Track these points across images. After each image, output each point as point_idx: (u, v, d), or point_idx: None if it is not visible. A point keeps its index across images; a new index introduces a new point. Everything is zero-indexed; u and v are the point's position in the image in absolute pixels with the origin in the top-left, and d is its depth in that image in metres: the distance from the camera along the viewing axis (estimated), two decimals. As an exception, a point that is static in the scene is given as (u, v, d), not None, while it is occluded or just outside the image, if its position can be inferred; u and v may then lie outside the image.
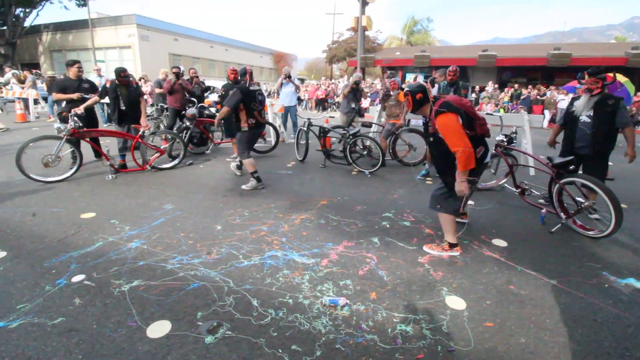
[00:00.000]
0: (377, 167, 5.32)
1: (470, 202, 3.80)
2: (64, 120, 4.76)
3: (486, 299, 2.30)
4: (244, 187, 4.50)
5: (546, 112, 14.45)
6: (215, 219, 3.49)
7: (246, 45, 44.92)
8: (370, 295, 2.29)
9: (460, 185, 2.60)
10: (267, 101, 8.07)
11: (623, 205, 3.05)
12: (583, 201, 3.31)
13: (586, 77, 3.63)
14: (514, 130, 4.26)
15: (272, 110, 7.91)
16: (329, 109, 19.13)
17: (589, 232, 3.30)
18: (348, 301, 2.21)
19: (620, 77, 5.95)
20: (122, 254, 2.77)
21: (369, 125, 6.58)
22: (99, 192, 4.24)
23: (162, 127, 7.44)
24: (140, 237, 3.08)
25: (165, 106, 6.99)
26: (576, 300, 2.32)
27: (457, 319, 2.09)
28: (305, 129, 5.93)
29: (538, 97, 15.21)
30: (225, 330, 1.95)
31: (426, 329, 2.00)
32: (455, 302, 2.25)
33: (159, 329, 1.95)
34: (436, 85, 4.98)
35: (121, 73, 4.99)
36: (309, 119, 5.97)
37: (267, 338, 1.90)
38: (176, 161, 5.47)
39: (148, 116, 7.48)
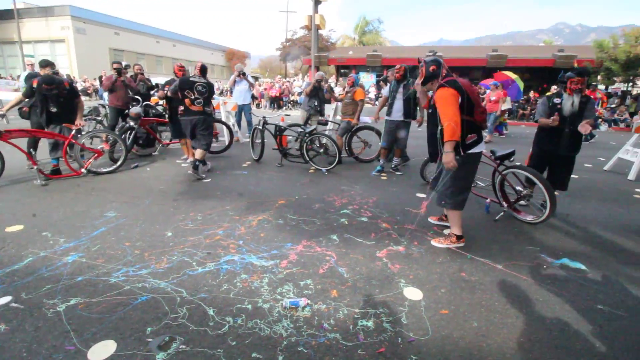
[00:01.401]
0: (334, 164, 5.35)
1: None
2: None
3: (441, 287, 2.39)
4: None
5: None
6: (165, 225, 3.27)
7: (196, 42, 43.10)
8: (331, 294, 2.27)
9: (446, 157, 2.64)
10: (220, 99, 7.79)
11: (555, 193, 3.35)
12: (522, 190, 3.59)
13: (566, 76, 3.62)
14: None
15: (225, 109, 7.64)
16: (284, 107, 18.98)
17: (528, 218, 3.59)
18: (309, 301, 2.17)
19: (511, 74, 6.47)
20: (57, 269, 2.48)
21: (325, 123, 6.61)
22: (27, 202, 3.78)
23: (101, 127, 6.85)
24: (77, 249, 2.79)
25: (105, 104, 6.45)
26: (520, 282, 2.50)
27: (415, 310, 2.14)
28: (260, 127, 5.79)
29: (479, 95, 16.35)
30: (179, 345, 1.81)
31: (386, 322, 2.03)
32: (413, 293, 2.31)
33: (102, 350, 1.77)
34: (388, 84, 5.11)
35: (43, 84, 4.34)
36: (264, 117, 5.84)
37: (225, 348, 1.80)
38: (118, 164, 5.05)
39: (85, 116, 6.87)
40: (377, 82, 20.70)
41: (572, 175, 5.65)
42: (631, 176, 5.58)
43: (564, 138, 3.66)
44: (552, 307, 2.22)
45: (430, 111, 2.97)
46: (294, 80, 24.19)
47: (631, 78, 17.37)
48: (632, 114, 14.78)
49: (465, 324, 2.03)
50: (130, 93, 6.03)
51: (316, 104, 6.26)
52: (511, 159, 3.69)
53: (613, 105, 15.89)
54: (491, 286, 2.43)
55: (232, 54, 45.73)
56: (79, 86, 18.03)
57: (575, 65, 18.41)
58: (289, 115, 8.07)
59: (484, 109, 2.86)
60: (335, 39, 35.22)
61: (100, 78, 15.80)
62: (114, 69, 5.73)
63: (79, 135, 4.89)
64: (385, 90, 5.05)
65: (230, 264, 2.60)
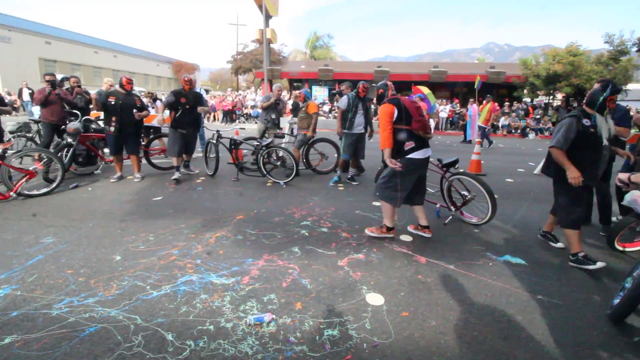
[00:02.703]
0: (292, 177, 5.37)
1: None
2: None
3: (400, 291, 2.50)
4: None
5: (431, 120, 16.69)
6: (112, 248, 3.03)
7: (140, 53, 41.02)
8: (296, 306, 2.26)
9: (387, 161, 3.16)
10: (166, 113, 7.48)
11: (495, 196, 3.67)
12: (467, 194, 3.89)
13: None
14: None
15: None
16: (238, 121, 18.69)
17: (473, 220, 3.89)
18: (274, 316, 2.14)
19: (424, 89, 7.07)
20: (-17, 306, 2.19)
21: (281, 136, 6.63)
22: (-59, 232, 3.30)
23: (32, 145, 6.21)
24: (10, 281, 2.48)
25: (37, 120, 5.88)
26: (470, 280, 2.69)
27: (377, 314, 2.21)
28: (214, 141, 5.65)
29: (419, 108, 17.48)
30: (135, 376, 1.69)
31: (351, 329, 2.06)
32: (375, 299, 2.38)
33: (43, 392, 1.59)
34: (345, 96, 5.30)
35: None
36: (217, 131, 5.71)
37: (187, 373, 1.71)
38: (54, 185, 4.61)
39: (13, 132, 6.21)
40: (333, 96, 21.24)
41: (508, 179, 6.31)
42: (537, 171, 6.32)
43: (601, 166, 3.23)
44: (500, 300, 2.42)
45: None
46: (247, 94, 23.96)
47: (552, 92, 19.71)
48: (554, 123, 16.77)
49: (425, 324, 2.13)
50: (67, 107, 5.57)
51: (273, 117, 6.27)
52: (456, 167, 4.00)
53: (538, 116, 17.88)
54: (445, 286, 2.59)
55: (179, 65, 44.17)
56: (6, 99, 16.18)
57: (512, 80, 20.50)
58: (243, 128, 7.95)
59: (423, 120, 3.24)
60: (287, 53, 35.65)
61: (20, 91, 14.32)
62: (47, 81, 5.26)
63: (5, 155, 4.39)
64: (342, 104, 5.24)
65: (188, 284, 2.49)
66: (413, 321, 2.15)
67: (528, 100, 21.35)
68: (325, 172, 6.19)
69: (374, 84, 3.66)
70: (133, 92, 5.34)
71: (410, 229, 3.68)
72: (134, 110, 5.19)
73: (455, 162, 3.92)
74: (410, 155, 3.17)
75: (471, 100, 12.70)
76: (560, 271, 2.89)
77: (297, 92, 6.21)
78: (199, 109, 5.38)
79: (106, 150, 6.02)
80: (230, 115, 18.68)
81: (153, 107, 7.61)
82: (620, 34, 17.53)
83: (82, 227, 3.50)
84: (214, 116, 19.14)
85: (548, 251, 3.28)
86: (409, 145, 3.17)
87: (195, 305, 2.25)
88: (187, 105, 5.23)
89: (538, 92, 20.53)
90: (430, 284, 2.60)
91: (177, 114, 5.22)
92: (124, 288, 2.42)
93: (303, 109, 5.88)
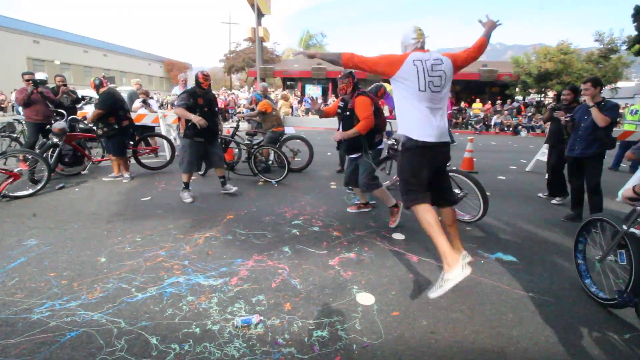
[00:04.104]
0: (284, 176, 5.32)
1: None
2: None
3: (391, 290, 2.47)
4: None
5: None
6: (97, 250, 2.96)
7: (131, 52, 40.58)
8: (285, 307, 2.22)
9: (342, 135, 3.51)
10: (159, 112, 7.38)
11: (487, 194, 3.66)
12: (459, 192, 3.87)
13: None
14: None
15: (165, 122, 7.24)
16: (230, 119, 18.55)
17: (465, 218, 3.87)
18: (262, 317, 2.09)
19: (387, 86, 7.03)
20: (-41, 312, 2.11)
21: (253, 134, 6.65)
22: None
23: (17, 145, 6.07)
24: (-12, 286, 2.40)
25: (20, 119, 5.74)
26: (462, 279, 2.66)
27: (368, 315, 2.17)
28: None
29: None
30: (116, 382, 1.63)
31: (341, 330, 2.03)
32: (365, 298, 2.34)
33: (19, 401, 1.52)
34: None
35: None
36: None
37: (171, 379, 1.65)
38: (39, 186, 4.50)
39: (-3, 133, 6.07)
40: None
41: (499, 177, 6.33)
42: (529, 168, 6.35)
43: None
44: (491, 298, 2.40)
45: (347, 114, 3.60)
46: (240, 92, 23.79)
47: (543, 90, 19.91)
48: (545, 121, 16.94)
49: (415, 324, 2.10)
50: (51, 106, 5.45)
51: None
52: (447, 164, 3.97)
53: (529, 114, 18.03)
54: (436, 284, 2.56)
55: (171, 64, 43.81)
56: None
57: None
58: (234, 127, 7.86)
59: (384, 116, 3.83)
60: (280, 52, 35.51)
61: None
62: (26, 80, 5.14)
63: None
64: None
65: (175, 286, 2.43)
66: (404, 321, 2.12)
67: (520, 98, 21.55)
68: (297, 170, 6.13)
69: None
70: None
71: (351, 210, 4.14)
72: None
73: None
74: (379, 147, 3.72)
75: None
76: (552, 268, 2.89)
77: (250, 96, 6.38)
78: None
79: (95, 150, 5.92)
80: (222, 114, 18.52)
81: (145, 107, 7.50)
82: (610, 32, 17.80)
83: (67, 228, 3.41)
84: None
85: (540, 248, 3.27)
86: (379, 138, 3.66)
87: (181, 307, 2.19)
88: (205, 108, 4.26)
89: (530, 90, 20.72)
90: (421, 283, 2.57)
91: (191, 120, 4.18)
92: (108, 291, 2.35)
93: (256, 110, 5.95)
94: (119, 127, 5.00)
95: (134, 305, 2.20)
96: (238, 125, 5.99)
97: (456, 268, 2.16)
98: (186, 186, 4.40)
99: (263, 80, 21.07)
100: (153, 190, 4.84)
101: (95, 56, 35.05)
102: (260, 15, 20.92)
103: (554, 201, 4.81)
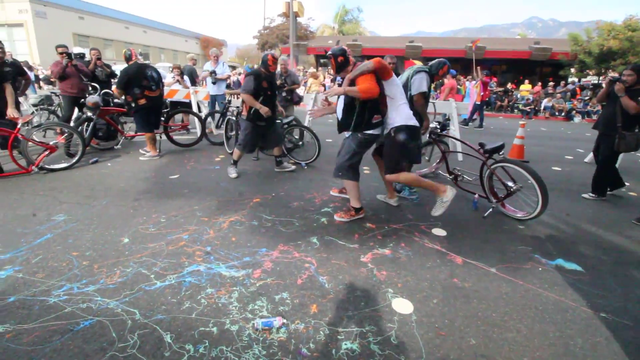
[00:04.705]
0: (314, 157, 5.04)
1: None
2: None
3: (432, 297, 2.16)
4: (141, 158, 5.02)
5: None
6: (122, 229, 2.87)
7: (168, 28, 41.21)
8: (311, 309, 1.99)
9: (338, 91, 2.91)
10: (191, 88, 7.28)
11: (547, 188, 3.18)
12: (512, 185, 3.41)
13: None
14: (447, 117, 4.28)
15: (196, 98, 7.14)
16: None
17: (518, 215, 3.42)
18: (285, 320, 1.87)
19: (417, 63, 6.21)
20: (-18, 289, 2.07)
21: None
22: (-41, 204, 3.27)
23: (55, 118, 6.21)
24: (14, 262, 2.37)
25: (57, 93, 5.82)
26: (516, 287, 2.30)
27: (405, 326, 1.89)
28: (234, 118, 5.38)
29: (458, 87, 16.37)
30: (124, 385, 1.48)
31: (374, 343, 1.76)
32: (403, 306, 2.06)
33: (23, 397, 1.41)
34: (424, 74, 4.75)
35: None
36: (237, 107, 5.43)
37: (182, 387, 1.48)
38: (74, 160, 4.54)
39: (36, 105, 6.23)
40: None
41: (554, 168, 5.66)
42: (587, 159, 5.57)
43: None
44: (553, 316, 2.03)
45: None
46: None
47: (603, 71, 17.85)
48: (599, 101, 15.24)
49: (462, 342, 1.79)
50: (85, 80, 5.45)
51: (284, 94, 5.88)
52: (501, 153, 3.50)
53: (586, 98, 16.31)
54: (486, 293, 2.22)
55: (207, 41, 44.03)
56: (40, 75, 16.68)
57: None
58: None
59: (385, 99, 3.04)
60: (314, 28, 34.50)
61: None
62: (60, 53, 5.12)
63: (26, 128, 4.34)
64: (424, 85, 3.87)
65: (195, 275, 2.26)
66: (449, 338, 1.82)
67: (575, 80, 19.53)
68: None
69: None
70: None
71: (334, 192, 3.82)
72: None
73: (501, 147, 3.44)
74: (372, 131, 3.03)
75: (469, 77, 11.44)
76: (625, 282, 2.43)
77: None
78: (225, 92, 4.99)
79: (127, 126, 5.93)
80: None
81: (180, 82, 7.42)
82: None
83: (96, 204, 3.37)
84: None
85: (609, 257, 2.79)
86: (377, 118, 3.00)
87: (199, 300, 2.02)
88: (268, 91, 4.17)
89: (588, 72, 18.69)
90: (468, 291, 2.24)
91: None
92: (127, 276, 2.24)
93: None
94: (136, 105, 4.87)
95: (151, 294, 2.06)
96: (230, 101, 5.92)
97: (448, 190, 3.01)
98: (235, 163, 4.45)
99: (296, 57, 20.58)
100: (182, 168, 4.75)
101: (135, 32, 35.89)
102: (295, -12, 20.17)
103: (585, 195, 4.19)
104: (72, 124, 5.30)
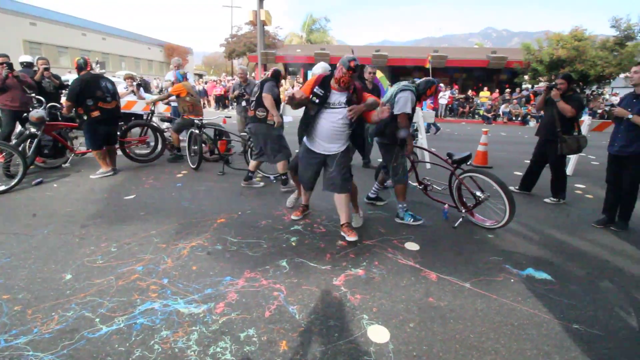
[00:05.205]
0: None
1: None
2: None
3: (409, 320, 2.05)
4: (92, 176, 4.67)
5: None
6: (64, 263, 2.54)
7: (130, 35, 39.60)
8: (280, 347, 1.81)
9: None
10: (150, 98, 6.89)
11: (513, 197, 3.21)
12: (480, 194, 3.42)
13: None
14: (415, 127, 4.28)
15: (158, 110, 6.76)
16: (231, 107, 18.00)
17: (487, 224, 3.44)
18: (251, 363, 1.69)
19: (378, 73, 6.49)
20: None
21: (169, 119, 6.27)
22: None
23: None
24: None
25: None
26: (491, 303, 2.25)
27: (382, 357, 1.76)
28: (197, 131, 5.11)
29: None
30: None
31: (349, 381, 1.62)
32: (378, 334, 1.93)
33: None
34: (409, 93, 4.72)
35: None
36: (200, 119, 5.16)
37: None
38: (13, 182, 4.08)
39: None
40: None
41: (516, 172, 5.86)
42: (569, 171, 5.85)
43: None
44: (529, 332, 1.99)
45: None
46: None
47: (553, 77, 19.12)
48: (538, 109, 16.28)
49: (442, 372, 1.69)
50: (29, 92, 4.97)
51: (244, 104, 5.73)
52: (468, 162, 3.52)
53: (539, 103, 17.34)
54: (462, 312, 2.15)
55: (172, 49, 42.73)
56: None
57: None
58: (230, 117, 7.39)
59: None
60: (282, 37, 34.47)
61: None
62: (2, 64, 4.64)
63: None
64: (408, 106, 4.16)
65: (148, 315, 2.02)
66: (427, 368, 1.71)
67: (529, 86, 20.78)
68: (212, 160, 5.69)
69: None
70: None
71: (296, 216, 3.49)
72: None
73: (468, 157, 3.45)
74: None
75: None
76: (592, 289, 2.46)
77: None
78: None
79: (78, 141, 5.46)
80: (222, 101, 17.95)
81: (135, 93, 7.01)
82: (628, 18, 16.90)
83: (35, 234, 3.00)
84: (206, 102, 18.41)
85: (574, 263, 2.84)
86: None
87: (152, 347, 1.78)
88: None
89: (540, 79, 19.95)
90: (444, 310, 2.15)
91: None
92: (67, 321, 1.95)
93: (166, 92, 5.67)
94: (88, 118, 4.50)
95: (95, 343, 1.79)
96: (153, 111, 5.86)
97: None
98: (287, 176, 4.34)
99: (265, 66, 20.37)
100: (139, 186, 4.41)
101: (93, 39, 34.12)
102: (261, -3, 20.05)
103: (547, 200, 4.38)
104: (13, 140, 4.80)
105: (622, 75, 16.93)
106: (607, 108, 3.40)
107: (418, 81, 3.54)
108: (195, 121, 5.16)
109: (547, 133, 4.25)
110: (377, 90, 5.43)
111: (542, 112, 4.59)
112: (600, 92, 19.66)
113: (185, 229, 3.16)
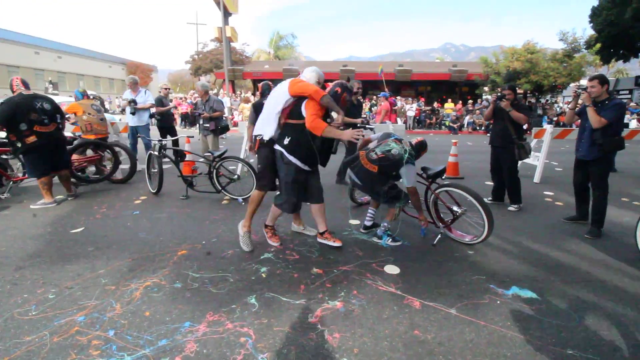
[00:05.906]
0: (252, 192, 4.58)
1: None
2: None
3: (395, 360, 1.83)
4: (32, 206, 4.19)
5: (399, 119, 16.45)
6: (-14, 319, 2.12)
7: (89, 53, 38.10)
8: (247, 411, 1.52)
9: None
10: (108, 117, 6.43)
11: (491, 210, 3.12)
12: (457, 209, 3.32)
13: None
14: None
15: (114, 131, 6.29)
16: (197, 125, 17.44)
17: (466, 239, 3.33)
18: None
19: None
20: None
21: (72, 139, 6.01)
22: None
23: None
24: None
25: None
26: (480, 331, 2.08)
27: (368, 413, 1.52)
28: (156, 152, 4.74)
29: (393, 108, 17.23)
30: None
31: None
32: (362, 381, 1.69)
33: None
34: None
35: None
36: (160, 140, 4.80)
37: None
38: None
39: None
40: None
41: (487, 182, 5.91)
42: (536, 179, 5.98)
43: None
44: (524, 364, 1.82)
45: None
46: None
47: (499, 90, 20.24)
48: (487, 118, 17.14)
49: None
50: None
51: (207, 125, 5.50)
52: (442, 177, 3.43)
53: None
54: (451, 345, 1.95)
55: (134, 66, 41.45)
56: None
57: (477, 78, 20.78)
58: (192, 137, 7.04)
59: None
60: (250, 53, 34.39)
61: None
62: None
63: None
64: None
65: (86, 382, 1.66)
66: (420, 422, 1.49)
67: (489, 97, 21.85)
68: (119, 181, 5.48)
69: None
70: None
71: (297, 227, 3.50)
72: None
73: (442, 172, 3.36)
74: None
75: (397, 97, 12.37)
76: (577, 304, 2.37)
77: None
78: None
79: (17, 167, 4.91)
80: (188, 118, 17.37)
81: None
82: (573, 32, 18.29)
83: (-45, 283, 2.52)
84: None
85: (555, 276, 2.76)
86: None
87: None
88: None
89: (499, 90, 21.04)
90: (431, 345, 1.95)
91: None
92: (-23, 400, 1.56)
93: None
94: (23, 145, 4.02)
95: None
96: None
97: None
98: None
99: (232, 82, 20.06)
100: (89, 217, 3.95)
101: (47, 58, 32.45)
102: (227, 14, 19.91)
103: (510, 208, 4.43)
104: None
105: (572, 85, 18.18)
106: (578, 91, 3.50)
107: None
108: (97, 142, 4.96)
109: (503, 141, 4.33)
110: (359, 107, 5.43)
111: (491, 122, 4.69)
112: (554, 101, 21.00)
113: (140, 265, 2.79)
